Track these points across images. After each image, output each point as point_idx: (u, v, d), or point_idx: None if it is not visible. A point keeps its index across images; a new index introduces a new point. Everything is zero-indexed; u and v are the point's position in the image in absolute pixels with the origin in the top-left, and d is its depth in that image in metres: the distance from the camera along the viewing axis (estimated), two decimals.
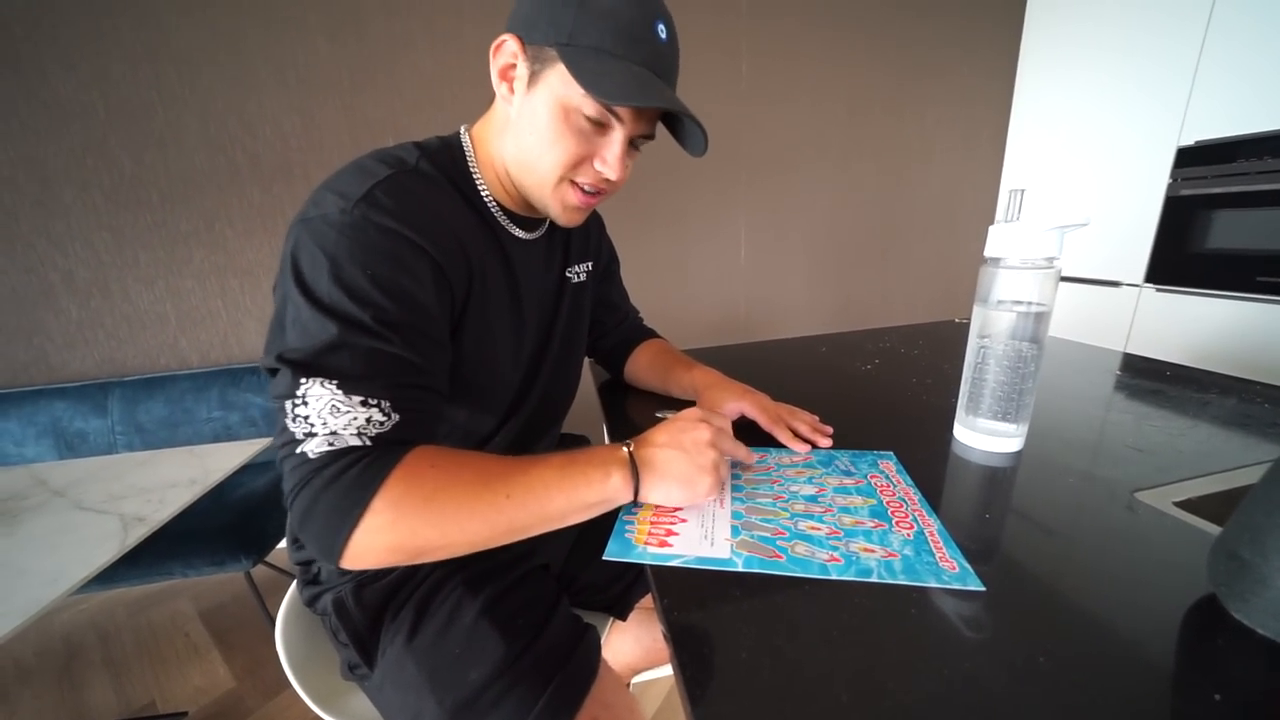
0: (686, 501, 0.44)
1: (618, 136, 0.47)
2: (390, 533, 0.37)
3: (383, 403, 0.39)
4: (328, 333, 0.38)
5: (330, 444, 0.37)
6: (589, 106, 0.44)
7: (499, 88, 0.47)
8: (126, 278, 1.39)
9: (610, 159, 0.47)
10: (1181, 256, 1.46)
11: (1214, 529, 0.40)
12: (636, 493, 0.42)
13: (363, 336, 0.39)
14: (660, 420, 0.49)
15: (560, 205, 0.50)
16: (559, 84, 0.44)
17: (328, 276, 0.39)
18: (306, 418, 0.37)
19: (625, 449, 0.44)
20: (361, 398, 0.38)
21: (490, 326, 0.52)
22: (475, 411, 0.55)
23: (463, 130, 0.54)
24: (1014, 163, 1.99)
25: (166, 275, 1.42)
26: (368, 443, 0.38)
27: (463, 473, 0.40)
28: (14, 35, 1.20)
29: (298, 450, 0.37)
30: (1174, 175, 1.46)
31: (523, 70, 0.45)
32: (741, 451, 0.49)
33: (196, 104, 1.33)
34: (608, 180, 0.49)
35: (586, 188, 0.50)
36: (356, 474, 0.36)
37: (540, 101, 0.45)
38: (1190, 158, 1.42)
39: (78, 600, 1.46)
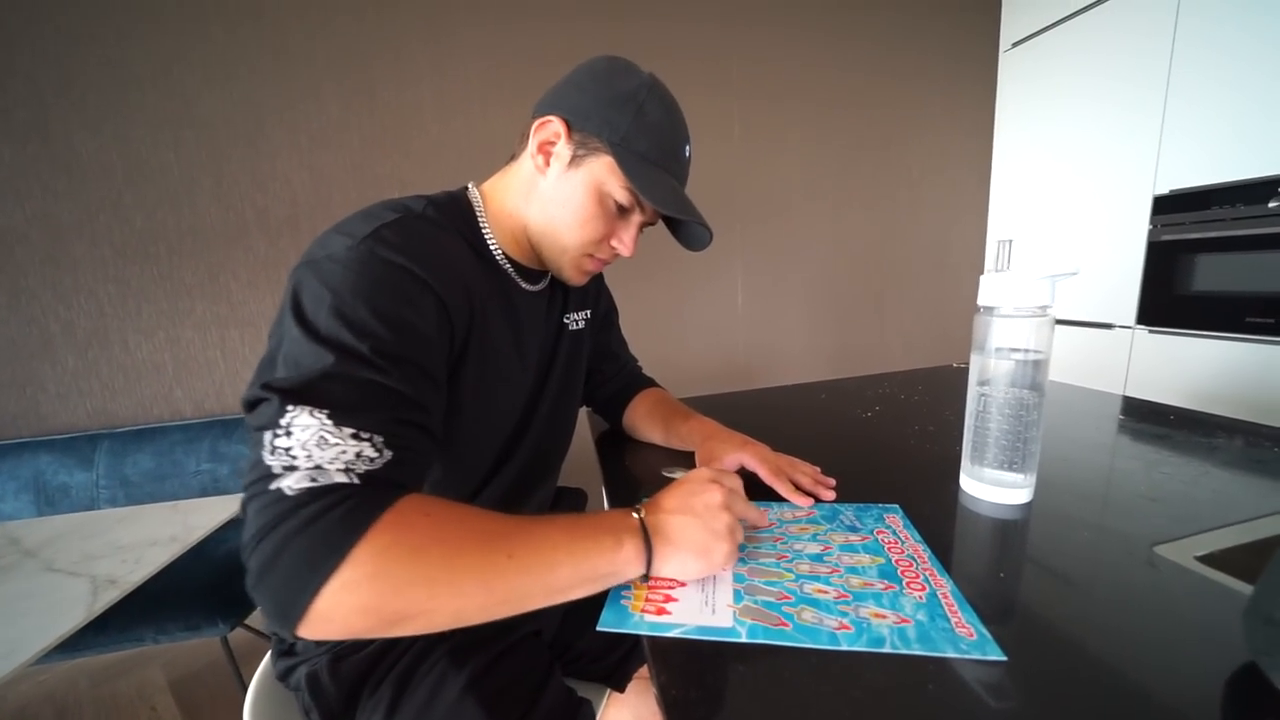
0: (702, 573, 0.40)
1: (636, 222, 0.54)
2: (369, 588, 0.31)
3: (375, 438, 0.35)
4: (323, 362, 0.36)
5: (313, 479, 0.32)
6: (621, 195, 0.51)
7: (534, 158, 0.51)
8: (127, 329, 1.40)
9: (627, 240, 0.55)
10: (1170, 299, 1.49)
11: (1243, 586, 0.38)
12: (650, 564, 0.39)
13: (360, 367, 0.37)
14: (668, 479, 0.46)
15: (575, 270, 0.56)
16: (602, 172, 0.50)
17: (328, 309, 0.38)
18: (288, 449, 0.33)
19: (636, 515, 0.41)
20: (353, 430, 0.35)
21: (490, 370, 0.52)
22: (469, 455, 0.54)
23: (470, 186, 0.57)
24: (999, 210, 2.07)
25: (167, 326, 1.43)
26: (355, 480, 0.34)
27: (461, 525, 0.36)
28: (45, 103, 1.27)
29: (272, 486, 0.32)
30: (1153, 222, 1.51)
31: (564, 151, 0.50)
32: (753, 514, 0.45)
33: (212, 165, 1.39)
34: (617, 255, 0.56)
35: (602, 259, 0.56)
36: (340, 516, 0.32)
37: (579, 182, 0.50)
38: (1167, 205, 1.47)
39: (37, 671, 1.36)
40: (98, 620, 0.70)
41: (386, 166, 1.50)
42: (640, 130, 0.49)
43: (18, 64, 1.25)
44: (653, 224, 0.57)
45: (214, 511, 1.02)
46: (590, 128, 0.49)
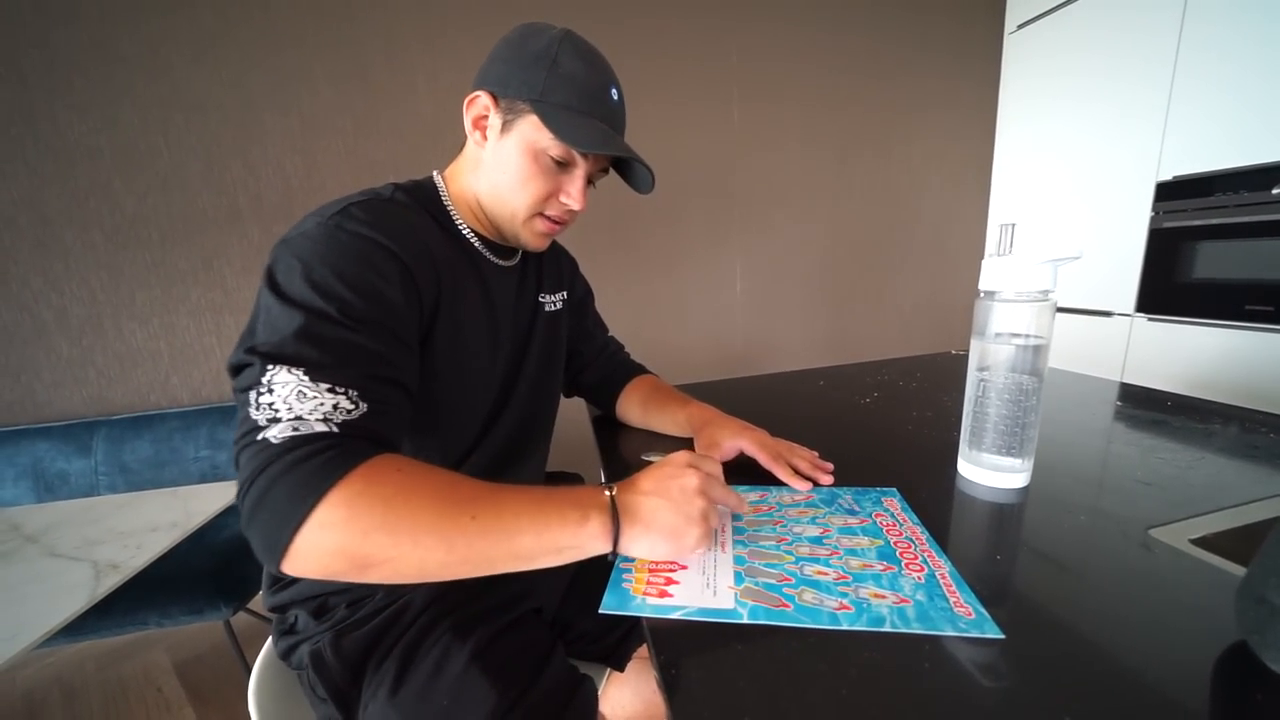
0: (672, 555, 0.41)
1: (579, 174, 0.54)
2: (340, 531, 0.34)
3: (350, 391, 0.39)
4: (294, 323, 0.39)
5: (295, 429, 0.36)
6: (555, 149, 0.51)
7: (472, 135, 0.55)
8: (121, 315, 1.39)
9: (574, 192, 0.55)
10: (1170, 286, 1.49)
11: (1235, 568, 0.38)
12: (616, 543, 0.39)
13: (329, 326, 0.40)
14: (647, 464, 0.46)
15: (530, 233, 0.57)
16: (530, 131, 0.51)
17: (299, 277, 0.41)
18: (271, 404, 0.37)
19: (608, 493, 0.41)
20: (329, 385, 0.38)
21: (463, 342, 0.53)
22: (449, 430, 0.55)
23: (435, 174, 0.59)
24: (1000, 198, 2.05)
25: (162, 313, 1.41)
26: (334, 429, 0.37)
27: (428, 483, 0.37)
28: (28, 85, 1.24)
29: (259, 437, 0.35)
30: (1155, 209, 1.50)
31: (495, 120, 0.52)
32: (733, 499, 0.45)
33: (202, 148, 1.36)
34: (570, 210, 0.56)
35: (554, 217, 0.56)
36: (319, 462, 0.34)
37: (512, 146, 0.52)
38: (1169, 192, 1.47)
39: (43, 654, 1.37)
40: (101, 604, 0.71)
41: (381, 152, 1.48)
42: (557, 82, 0.50)
43: None
44: (605, 173, 0.58)
45: (214, 497, 1.02)
46: (512, 93, 0.51)
